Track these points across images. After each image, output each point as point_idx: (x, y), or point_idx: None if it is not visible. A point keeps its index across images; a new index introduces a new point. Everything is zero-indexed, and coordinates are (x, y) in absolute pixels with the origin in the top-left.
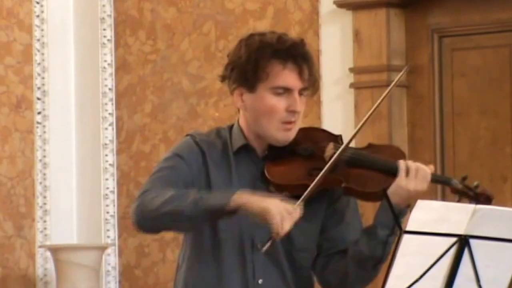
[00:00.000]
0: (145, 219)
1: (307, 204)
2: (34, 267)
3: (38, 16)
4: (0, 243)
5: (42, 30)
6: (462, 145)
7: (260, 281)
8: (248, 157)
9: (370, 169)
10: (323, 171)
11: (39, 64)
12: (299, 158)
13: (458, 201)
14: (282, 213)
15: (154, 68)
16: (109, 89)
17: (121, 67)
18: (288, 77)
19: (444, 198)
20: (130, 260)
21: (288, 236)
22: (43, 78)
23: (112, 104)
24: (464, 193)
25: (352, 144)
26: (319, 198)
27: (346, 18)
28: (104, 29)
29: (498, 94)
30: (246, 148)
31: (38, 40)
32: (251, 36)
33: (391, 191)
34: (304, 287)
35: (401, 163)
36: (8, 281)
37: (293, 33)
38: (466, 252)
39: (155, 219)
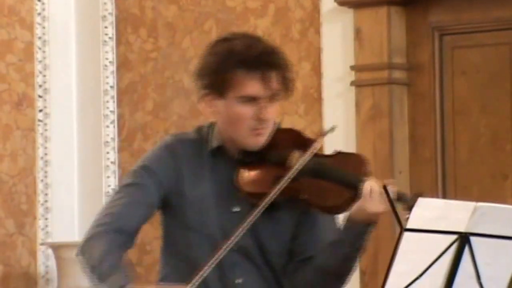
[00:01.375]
0: (80, 261)
1: (279, 209)
2: (35, 265)
3: (39, 13)
4: (1, 241)
5: (44, 28)
6: (462, 143)
7: (239, 281)
8: (224, 159)
9: (333, 182)
10: (282, 182)
11: (40, 62)
12: (268, 165)
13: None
14: None
15: (156, 66)
16: (111, 86)
17: (123, 65)
18: (253, 86)
19: (444, 196)
20: (132, 257)
21: (259, 239)
22: (44, 76)
23: (114, 102)
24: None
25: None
26: (293, 203)
27: (347, 16)
28: (106, 27)
29: (498, 92)
30: (221, 150)
31: (40, 38)
32: (220, 41)
33: (352, 211)
34: None
35: (365, 185)
36: (10, 279)
37: (294, 31)
38: (466, 250)
39: (84, 267)
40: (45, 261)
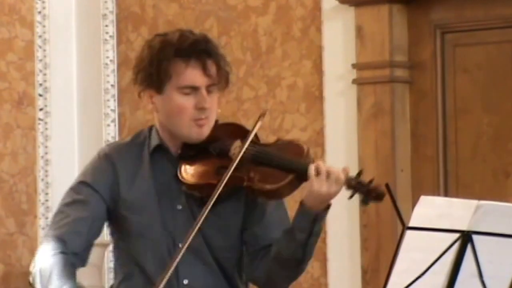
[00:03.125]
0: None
1: (222, 202)
2: None
3: (40, 12)
4: (2, 240)
5: (44, 26)
6: (464, 141)
7: (185, 282)
8: (164, 157)
9: (275, 167)
10: (226, 172)
11: (41, 60)
12: (210, 157)
13: (351, 197)
14: None
15: None
16: (111, 85)
17: (123, 64)
18: (192, 75)
19: (446, 195)
20: None
21: (206, 236)
22: (45, 74)
23: (114, 100)
24: (356, 188)
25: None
26: (235, 195)
27: (349, 14)
28: (106, 26)
29: (501, 90)
30: (161, 148)
31: (40, 36)
32: (154, 37)
33: (304, 196)
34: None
35: (312, 166)
36: (10, 278)
37: (296, 29)
38: (469, 248)
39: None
40: None
